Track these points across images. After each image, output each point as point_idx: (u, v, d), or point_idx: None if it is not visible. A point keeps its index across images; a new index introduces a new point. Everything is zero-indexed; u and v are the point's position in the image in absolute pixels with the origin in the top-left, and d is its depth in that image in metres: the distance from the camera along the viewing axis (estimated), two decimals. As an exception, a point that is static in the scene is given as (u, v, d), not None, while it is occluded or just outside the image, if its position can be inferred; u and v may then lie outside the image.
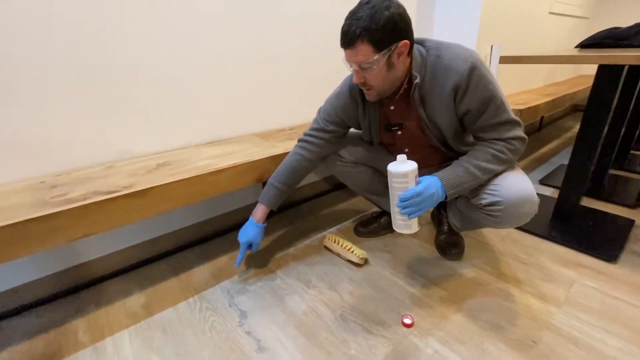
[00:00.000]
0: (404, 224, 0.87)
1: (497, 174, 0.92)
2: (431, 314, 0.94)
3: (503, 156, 0.89)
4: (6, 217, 0.73)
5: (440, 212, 1.32)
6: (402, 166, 0.82)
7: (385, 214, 1.36)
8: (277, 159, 1.12)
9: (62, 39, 0.91)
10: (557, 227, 1.33)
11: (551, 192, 1.68)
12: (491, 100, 0.85)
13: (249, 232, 1.09)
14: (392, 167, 0.83)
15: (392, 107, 0.98)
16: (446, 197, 0.89)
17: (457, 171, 0.89)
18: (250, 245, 1.10)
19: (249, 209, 1.48)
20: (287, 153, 1.13)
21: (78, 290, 1.09)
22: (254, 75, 1.33)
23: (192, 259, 1.24)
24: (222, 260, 1.23)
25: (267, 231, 1.38)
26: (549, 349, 0.82)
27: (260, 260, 1.22)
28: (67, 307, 1.02)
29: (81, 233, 0.80)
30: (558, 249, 1.21)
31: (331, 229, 1.43)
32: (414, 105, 0.92)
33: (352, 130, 1.14)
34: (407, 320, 0.91)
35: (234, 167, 1.03)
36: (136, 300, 1.04)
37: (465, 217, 1.08)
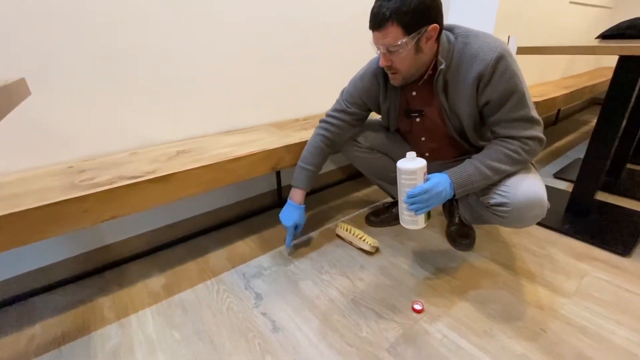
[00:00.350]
0: (411, 220, 0.89)
1: (510, 174, 0.90)
2: (441, 301, 0.96)
3: (517, 157, 0.87)
4: (39, 199, 0.77)
5: (452, 203, 1.32)
6: (411, 163, 0.83)
7: (397, 204, 1.37)
8: (292, 148, 1.15)
9: (89, 29, 0.95)
10: (571, 221, 1.33)
11: (566, 186, 1.66)
12: (513, 93, 0.83)
13: (294, 215, 1.13)
14: (401, 163, 0.84)
15: (414, 93, 0.98)
16: (455, 195, 0.90)
17: (468, 170, 0.89)
18: (296, 227, 1.14)
19: (263, 197, 1.52)
20: (301, 142, 1.16)
21: (102, 270, 1.14)
22: (271, 67, 1.35)
23: (209, 244, 1.28)
24: (238, 245, 1.27)
25: (280, 220, 1.42)
26: (557, 337, 0.83)
27: (275, 247, 1.26)
28: (93, 286, 1.08)
29: (108, 215, 0.85)
30: (571, 242, 1.21)
31: (343, 218, 1.45)
32: (436, 93, 0.91)
33: (371, 117, 1.15)
34: (418, 306, 0.93)
35: (251, 156, 1.06)
36: (157, 281, 1.09)
37: (474, 212, 1.08)
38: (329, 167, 1.75)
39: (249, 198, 1.49)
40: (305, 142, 1.16)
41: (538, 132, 0.87)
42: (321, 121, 1.13)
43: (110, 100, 1.03)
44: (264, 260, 1.18)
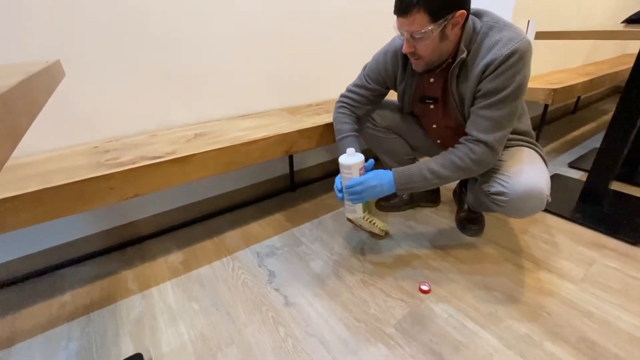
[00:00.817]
0: (350, 209, 1.01)
1: (514, 163, 0.90)
2: (448, 283, 0.99)
3: (461, 164, 0.87)
4: (68, 176, 0.83)
5: (462, 190, 1.33)
6: (348, 159, 0.94)
7: None
8: (305, 132, 1.17)
9: (112, 13, 0.98)
10: (583, 210, 1.32)
11: (580, 176, 1.64)
12: (502, 91, 0.81)
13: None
14: (341, 158, 0.95)
15: (431, 80, 0.97)
16: (397, 192, 0.93)
17: (412, 170, 0.92)
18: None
19: (276, 181, 1.56)
20: (314, 127, 1.18)
21: (125, 246, 1.21)
22: (285, 52, 1.36)
23: (224, 225, 1.34)
24: (251, 227, 1.32)
25: (292, 203, 1.45)
26: (562, 320, 0.85)
27: (287, 229, 1.30)
28: (117, 260, 1.15)
29: (132, 193, 0.90)
30: (581, 231, 1.22)
31: None
32: (450, 81, 0.91)
33: (389, 97, 1.15)
34: (425, 287, 0.96)
35: (265, 139, 1.09)
36: (176, 257, 1.15)
37: (477, 198, 1.09)
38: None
39: (262, 181, 1.53)
40: (318, 126, 1.19)
41: (495, 144, 0.85)
42: (341, 96, 1.14)
43: (132, 84, 1.07)
44: (277, 241, 1.23)
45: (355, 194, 0.94)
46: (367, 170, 0.97)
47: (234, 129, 1.17)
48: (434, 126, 1.09)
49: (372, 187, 0.93)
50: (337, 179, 1.01)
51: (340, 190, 0.99)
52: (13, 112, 0.18)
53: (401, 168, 0.94)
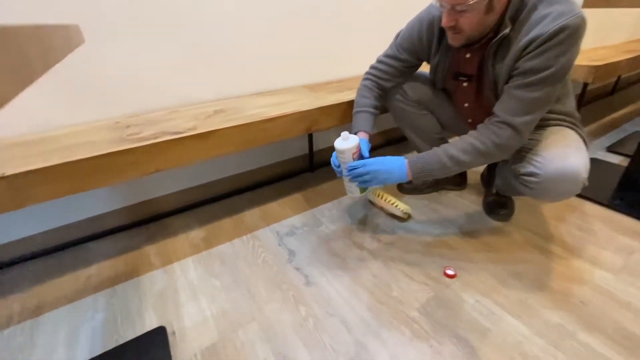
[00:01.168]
0: (348, 189, 1.00)
1: (549, 143, 0.83)
2: (474, 269, 0.95)
3: (483, 148, 0.81)
4: (90, 150, 0.82)
5: (490, 172, 1.27)
6: (342, 143, 0.92)
7: None
8: (326, 110, 1.13)
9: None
10: (622, 197, 1.24)
11: (619, 161, 1.54)
12: (542, 72, 0.73)
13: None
14: (336, 142, 0.93)
15: (467, 55, 0.90)
16: (411, 180, 0.89)
17: (428, 156, 0.87)
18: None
19: (295, 161, 1.54)
20: (336, 104, 1.14)
21: (147, 222, 1.22)
22: (306, 28, 1.31)
23: (244, 204, 1.33)
24: (271, 206, 1.31)
25: (311, 183, 1.43)
26: (598, 311, 0.81)
27: (306, 209, 1.28)
28: (139, 235, 1.16)
29: (153, 168, 0.89)
30: (621, 219, 1.14)
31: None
32: (488, 58, 0.83)
33: (422, 70, 1.09)
34: (450, 271, 0.93)
35: (285, 116, 1.05)
36: (197, 234, 1.15)
37: (505, 180, 1.03)
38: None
39: (281, 161, 1.51)
40: (341, 103, 1.14)
41: (522, 124, 0.78)
42: (371, 67, 1.09)
43: (154, 59, 1.05)
44: (296, 220, 1.21)
45: (359, 176, 0.90)
46: (362, 155, 0.95)
47: (252, 105, 1.14)
48: (466, 105, 1.02)
49: (376, 172, 0.88)
50: (334, 155, 0.97)
51: (338, 166, 0.97)
52: (24, 49, 0.16)
53: (416, 155, 0.89)
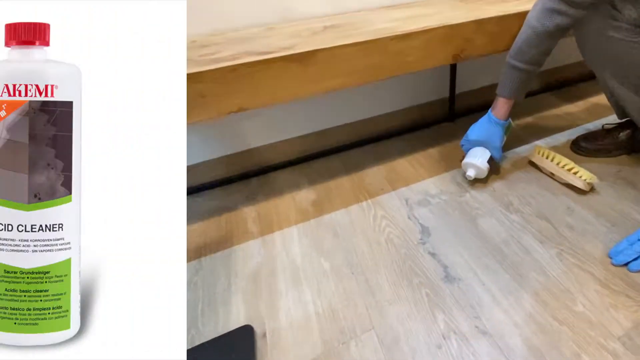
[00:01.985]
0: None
1: None
2: None
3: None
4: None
5: None
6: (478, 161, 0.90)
7: (628, 126, 0.98)
8: (485, 25, 0.84)
9: None
10: None
11: None
12: None
13: (489, 131, 0.92)
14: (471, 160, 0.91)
15: None
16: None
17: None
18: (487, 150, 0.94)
19: (431, 107, 1.31)
20: (499, 17, 0.85)
21: (248, 177, 1.11)
22: None
23: (365, 159, 1.14)
24: (400, 163, 1.10)
25: (451, 137, 1.20)
26: None
27: (446, 170, 1.04)
28: (237, 193, 1.05)
29: (234, 105, 0.71)
30: None
31: (540, 142, 1.11)
32: None
33: None
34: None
35: (426, 32, 0.79)
36: (305, 195, 1.01)
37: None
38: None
39: (413, 106, 1.28)
40: (507, 16, 0.85)
41: None
42: None
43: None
44: (432, 185, 0.99)
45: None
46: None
47: (379, 20, 0.89)
48: None
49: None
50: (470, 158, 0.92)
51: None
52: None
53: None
